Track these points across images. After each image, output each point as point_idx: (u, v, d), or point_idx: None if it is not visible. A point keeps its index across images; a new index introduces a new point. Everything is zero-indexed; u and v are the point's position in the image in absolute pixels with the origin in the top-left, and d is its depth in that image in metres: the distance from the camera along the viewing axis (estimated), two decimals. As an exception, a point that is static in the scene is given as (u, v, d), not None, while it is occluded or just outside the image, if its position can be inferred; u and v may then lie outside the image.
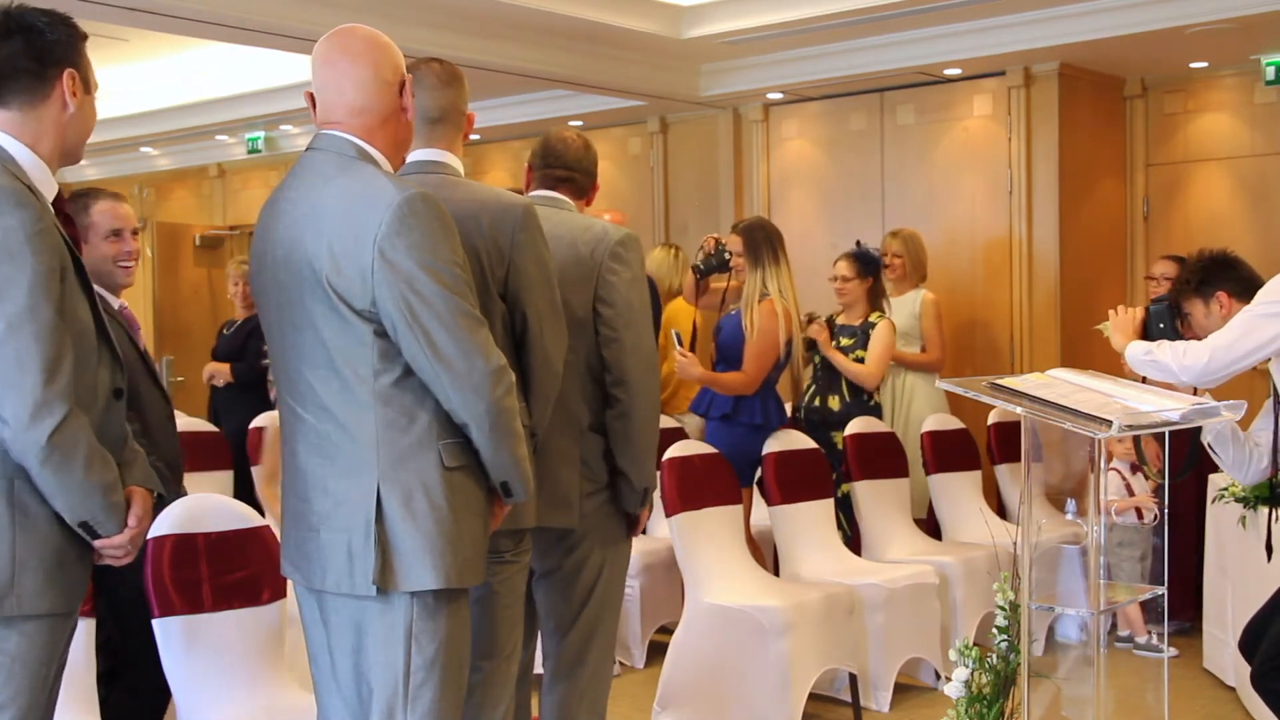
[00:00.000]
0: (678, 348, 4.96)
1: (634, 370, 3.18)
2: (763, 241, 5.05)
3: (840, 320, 5.91)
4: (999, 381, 3.27)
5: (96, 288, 3.59)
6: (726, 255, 5.31)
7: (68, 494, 2.38)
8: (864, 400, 5.80)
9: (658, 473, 3.73)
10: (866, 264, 5.90)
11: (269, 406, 6.83)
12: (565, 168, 3.40)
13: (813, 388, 5.83)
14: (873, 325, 5.82)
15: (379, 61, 2.59)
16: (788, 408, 5.94)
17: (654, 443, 3.26)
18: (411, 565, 2.44)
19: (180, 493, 3.56)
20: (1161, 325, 4.01)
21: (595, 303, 3.18)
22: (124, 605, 3.30)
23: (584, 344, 3.18)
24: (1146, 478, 5.46)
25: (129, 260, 3.68)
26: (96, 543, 2.45)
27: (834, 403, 5.76)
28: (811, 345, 5.75)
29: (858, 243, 6.02)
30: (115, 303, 3.65)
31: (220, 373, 6.86)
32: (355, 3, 5.95)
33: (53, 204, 2.48)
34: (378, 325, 2.43)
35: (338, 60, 2.60)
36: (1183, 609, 5.55)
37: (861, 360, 5.76)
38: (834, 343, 5.79)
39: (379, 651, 2.47)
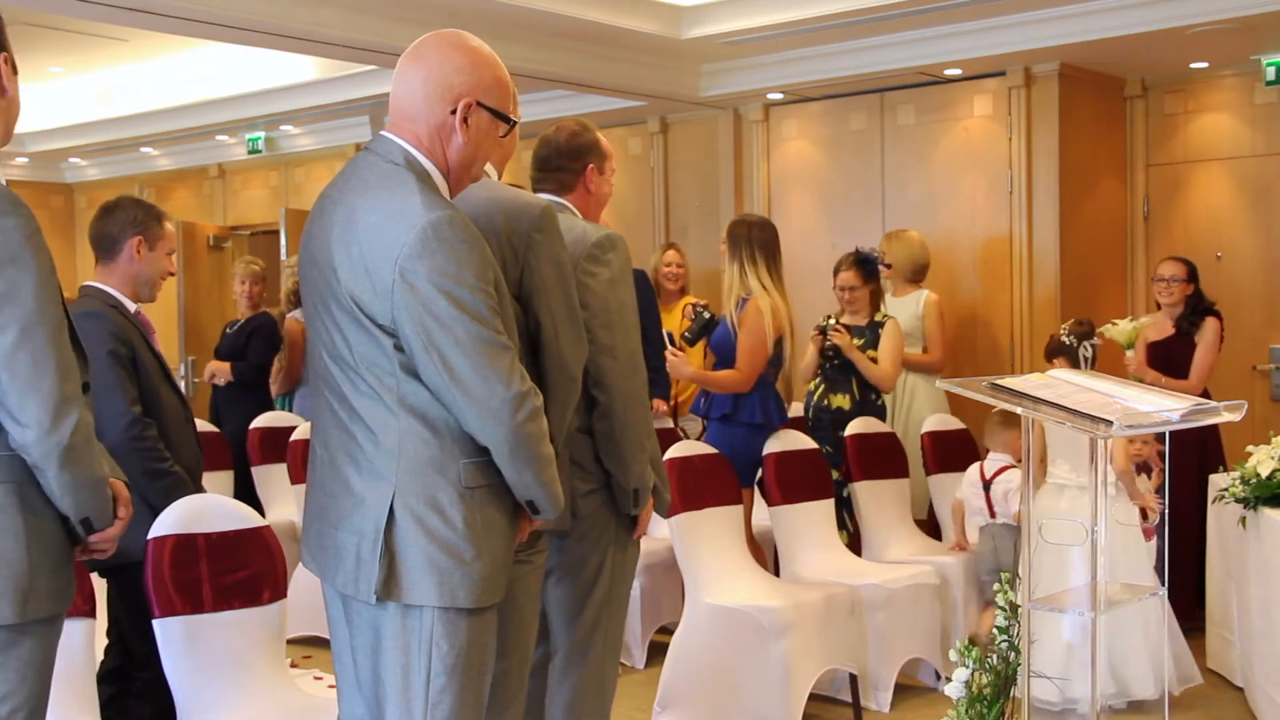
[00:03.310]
0: (669, 347, 4.97)
1: (611, 372, 3.16)
2: (741, 239, 5.07)
3: (846, 322, 5.92)
4: (999, 381, 3.27)
5: (117, 293, 3.65)
6: (707, 315, 5.34)
7: (79, 492, 2.40)
8: (873, 399, 5.86)
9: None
10: (868, 269, 5.97)
11: (269, 406, 6.85)
12: (541, 169, 3.41)
13: (821, 387, 5.84)
14: (881, 325, 5.89)
15: (433, 69, 2.52)
16: (797, 407, 5.96)
17: (640, 442, 3.21)
18: (416, 580, 2.40)
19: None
20: None
21: None
22: (142, 608, 3.30)
23: None
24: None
25: (168, 277, 3.86)
26: (93, 537, 2.47)
27: (844, 401, 5.78)
28: (834, 351, 5.77)
29: (857, 249, 6.04)
30: (131, 307, 3.71)
31: (221, 371, 6.87)
32: (356, 3, 5.96)
33: None
34: (398, 340, 2.39)
35: (404, 59, 2.57)
36: (1184, 609, 5.55)
37: (875, 360, 5.84)
38: (839, 325, 5.81)
39: (397, 655, 2.44)
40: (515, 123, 2.63)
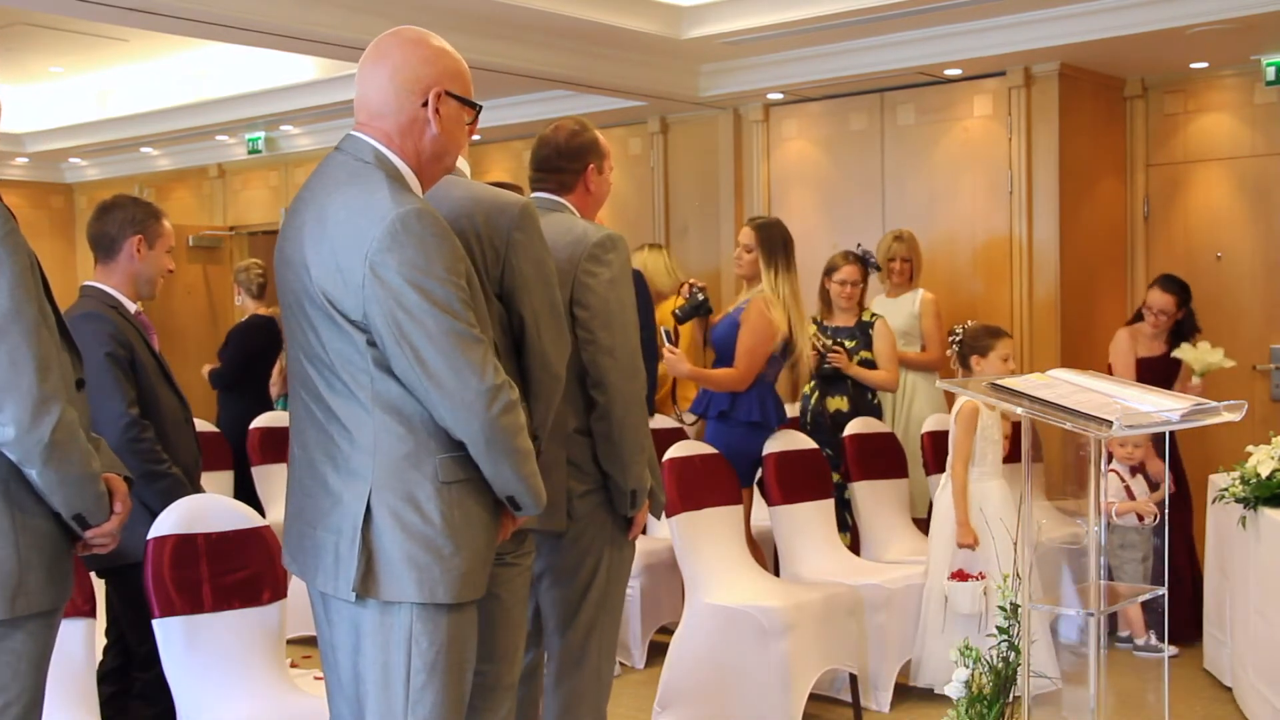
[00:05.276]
0: (666, 345, 4.98)
1: (611, 372, 3.16)
2: (779, 242, 5.06)
3: (835, 323, 5.92)
4: (999, 381, 3.27)
5: (116, 293, 3.66)
6: (701, 297, 5.34)
7: (67, 489, 2.40)
8: (869, 399, 5.88)
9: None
10: (866, 267, 6.03)
11: (254, 407, 6.85)
12: (540, 169, 3.41)
13: (817, 391, 5.84)
14: (870, 324, 5.89)
15: (399, 65, 2.53)
16: (795, 408, 5.95)
17: (639, 444, 3.21)
18: (394, 576, 2.40)
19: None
20: None
21: (572, 305, 3.15)
22: (141, 608, 3.30)
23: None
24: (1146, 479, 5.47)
25: (168, 274, 3.89)
26: (88, 533, 2.48)
27: (842, 404, 5.78)
28: (836, 373, 5.77)
29: (858, 245, 6.07)
30: (131, 307, 3.71)
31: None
32: (356, 4, 5.96)
33: None
34: (370, 335, 2.40)
35: (365, 60, 2.58)
36: (1183, 610, 5.55)
37: (868, 362, 5.85)
38: (839, 344, 5.80)
39: (376, 653, 2.44)
40: (480, 108, 2.64)
